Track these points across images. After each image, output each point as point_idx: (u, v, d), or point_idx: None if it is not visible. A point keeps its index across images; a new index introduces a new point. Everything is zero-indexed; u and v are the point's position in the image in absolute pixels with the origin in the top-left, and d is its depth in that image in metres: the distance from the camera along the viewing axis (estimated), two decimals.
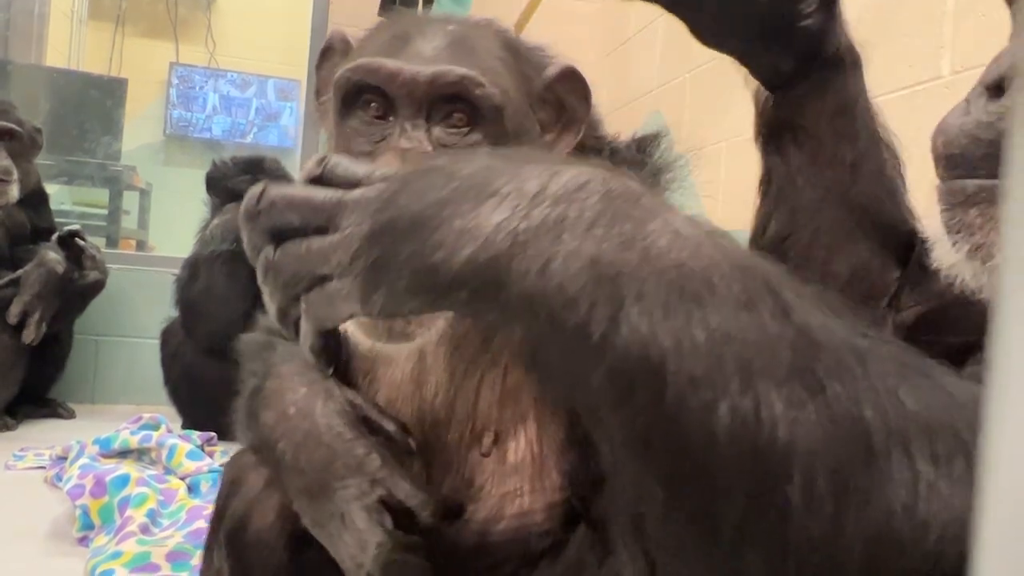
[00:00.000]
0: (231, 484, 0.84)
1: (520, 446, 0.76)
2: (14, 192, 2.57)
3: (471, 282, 0.43)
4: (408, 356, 0.77)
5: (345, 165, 0.51)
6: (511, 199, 0.43)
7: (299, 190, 0.51)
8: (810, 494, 0.36)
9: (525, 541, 0.76)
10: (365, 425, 0.73)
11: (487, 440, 0.76)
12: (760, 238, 0.81)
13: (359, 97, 0.73)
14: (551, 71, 0.79)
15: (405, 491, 0.68)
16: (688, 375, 0.37)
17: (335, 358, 0.71)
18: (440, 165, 0.47)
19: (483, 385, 0.76)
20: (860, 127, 0.77)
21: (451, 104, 0.72)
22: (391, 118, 0.73)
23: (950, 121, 0.58)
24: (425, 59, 0.73)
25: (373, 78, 0.72)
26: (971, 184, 0.56)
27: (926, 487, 0.37)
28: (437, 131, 0.72)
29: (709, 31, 0.76)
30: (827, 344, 0.39)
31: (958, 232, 0.56)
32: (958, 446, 0.38)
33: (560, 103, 0.79)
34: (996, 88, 0.56)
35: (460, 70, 0.72)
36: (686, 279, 0.39)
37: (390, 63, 0.72)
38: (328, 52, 0.81)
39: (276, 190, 0.51)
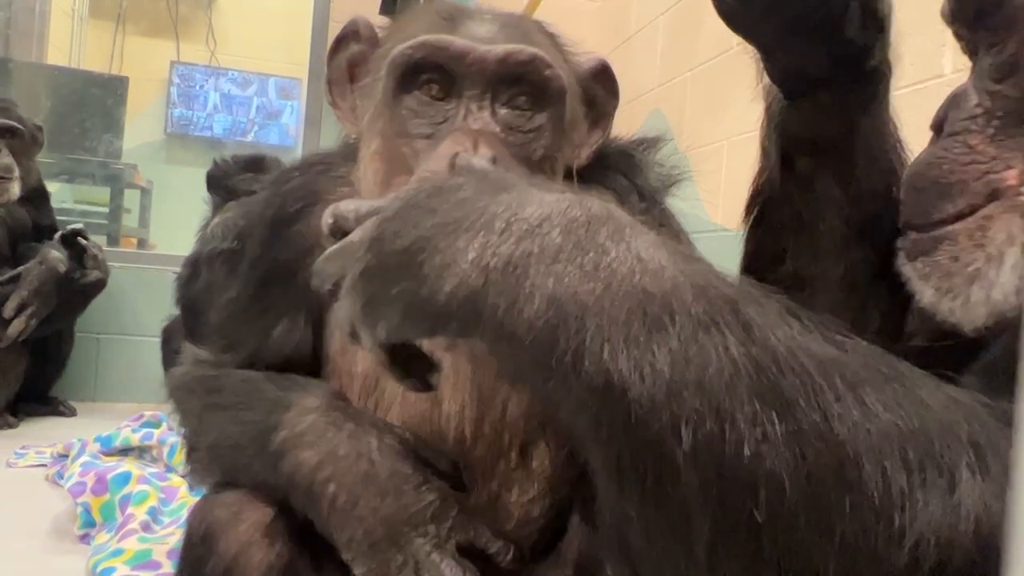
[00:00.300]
0: (205, 539, 0.73)
1: (542, 452, 0.76)
2: (15, 190, 2.57)
3: (456, 314, 0.44)
4: None
5: (342, 213, 0.54)
6: (482, 235, 0.44)
7: (328, 250, 0.55)
8: (779, 509, 0.37)
9: (543, 539, 0.76)
10: (417, 459, 0.70)
11: (514, 454, 0.74)
12: (765, 268, 0.74)
13: (417, 77, 0.70)
14: (588, 64, 0.78)
15: (486, 537, 0.66)
16: (650, 401, 0.38)
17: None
18: (421, 201, 0.49)
19: (509, 400, 0.74)
20: (889, 148, 0.72)
21: (515, 86, 0.70)
22: (453, 99, 0.70)
23: (911, 167, 0.62)
24: (485, 40, 0.70)
25: (439, 56, 0.69)
26: (914, 236, 0.60)
27: (899, 495, 0.37)
28: (503, 112, 0.70)
29: (740, 11, 0.67)
30: (791, 359, 0.39)
31: (922, 278, 0.60)
32: (931, 453, 0.38)
33: (592, 98, 0.78)
34: (938, 129, 0.60)
35: (532, 49, 0.70)
36: (647, 304, 0.40)
37: (459, 40, 0.69)
38: (344, 40, 0.78)
39: (320, 259, 0.55)
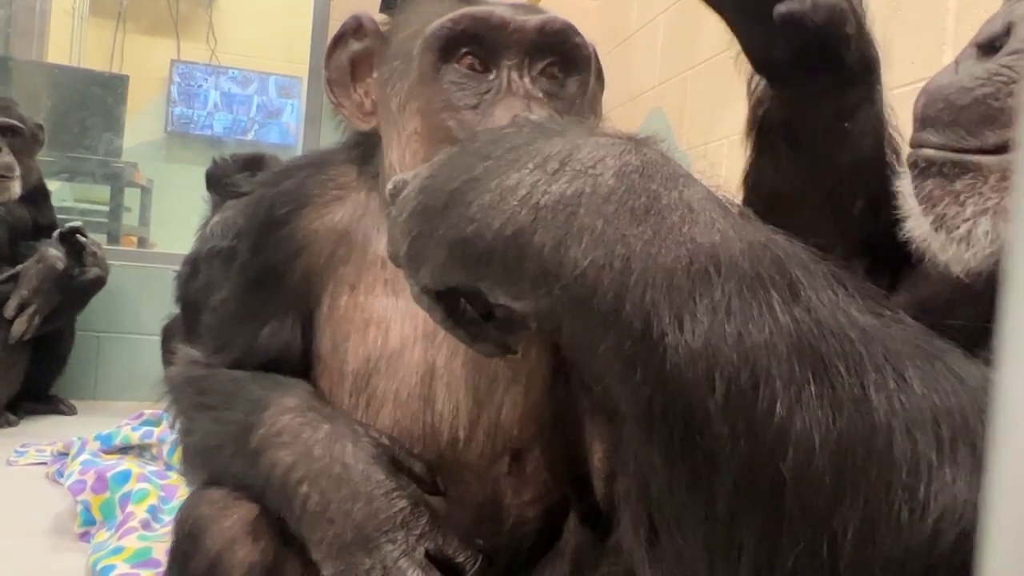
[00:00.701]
0: (191, 536, 0.74)
1: (536, 457, 0.76)
2: (16, 188, 2.57)
3: (500, 253, 0.44)
4: (414, 372, 0.75)
5: (402, 178, 0.55)
6: (534, 174, 0.44)
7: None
8: (805, 469, 0.37)
9: (540, 541, 0.77)
10: (392, 463, 0.70)
11: (507, 459, 0.75)
12: None
13: (456, 51, 0.71)
14: (590, 45, 0.79)
15: (455, 546, 0.67)
16: (687, 349, 0.38)
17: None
18: (474, 148, 0.50)
19: (505, 403, 0.74)
20: (863, 131, 0.71)
21: (547, 56, 0.72)
22: (492, 70, 0.71)
23: (934, 83, 0.56)
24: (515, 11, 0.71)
25: (481, 26, 0.70)
26: (938, 155, 0.54)
27: (927, 469, 0.37)
28: (542, 81, 0.72)
29: None
30: (834, 324, 0.39)
31: (925, 203, 0.55)
32: (964, 431, 0.38)
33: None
34: (989, 47, 0.53)
35: (563, 19, 0.72)
36: (694, 254, 0.40)
37: (498, 10, 0.70)
38: (343, 39, 0.78)
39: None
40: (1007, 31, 0.53)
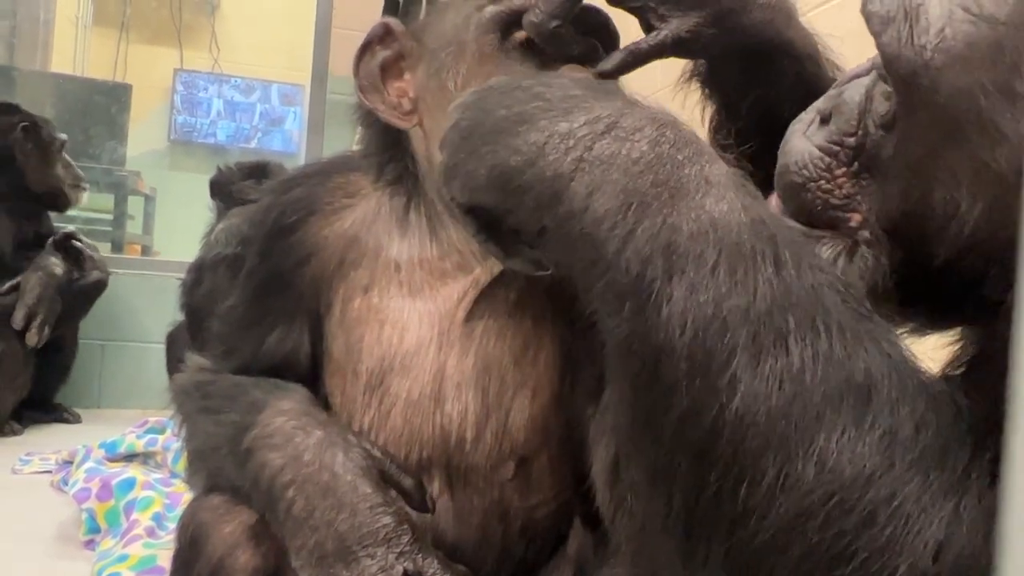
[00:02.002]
0: (192, 542, 0.74)
1: (543, 464, 0.77)
2: (85, 198, 2.80)
3: (537, 190, 0.50)
4: (427, 372, 0.75)
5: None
6: (584, 128, 0.50)
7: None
8: (745, 418, 0.42)
9: (547, 543, 0.77)
10: (381, 476, 0.71)
11: (512, 464, 0.75)
12: None
13: (511, 31, 0.71)
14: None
15: (434, 568, 0.67)
16: (671, 294, 0.44)
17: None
18: (525, 84, 0.55)
19: (514, 407, 0.75)
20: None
21: (588, 37, 0.73)
22: (540, 48, 0.71)
23: (793, 144, 0.60)
24: None
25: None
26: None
27: (840, 436, 0.42)
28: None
29: None
30: (805, 302, 0.44)
31: None
32: (881, 404, 0.42)
33: None
34: (825, 119, 0.59)
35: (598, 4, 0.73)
36: (699, 219, 0.45)
37: None
38: (369, 47, 0.78)
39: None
40: (831, 111, 0.59)
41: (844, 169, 0.57)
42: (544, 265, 0.59)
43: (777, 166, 0.61)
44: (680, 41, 0.67)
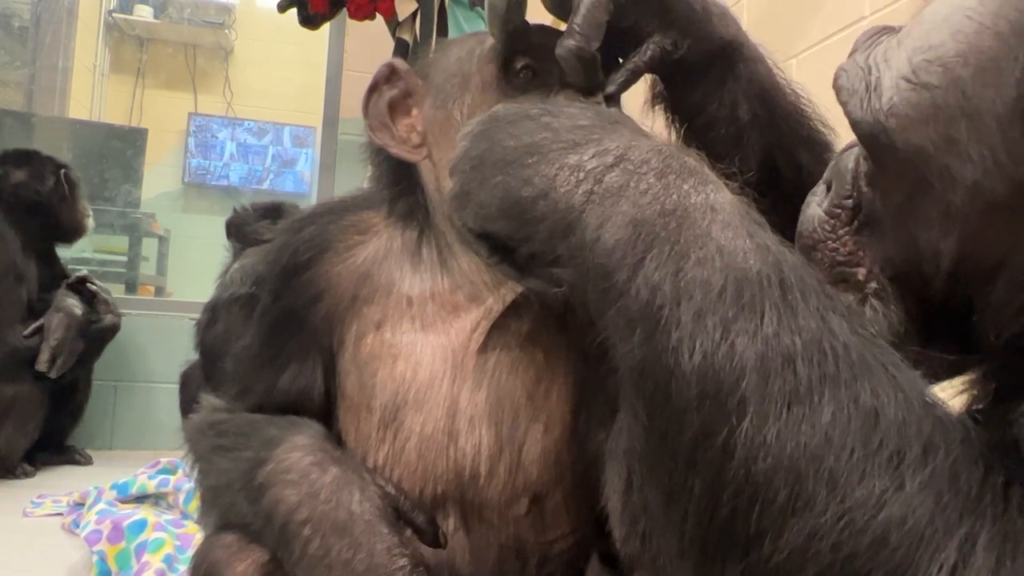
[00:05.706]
0: None
1: (557, 501, 0.76)
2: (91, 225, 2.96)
3: (551, 220, 0.52)
4: (440, 406, 0.75)
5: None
6: (592, 161, 0.52)
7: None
8: (755, 439, 0.43)
9: None
10: (396, 514, 0.71)
11: (526, 501, 0.75)
12: None
13: (513, 61, 0.73)
14: None
15: None
16: (679, 319, 0.45)
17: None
18: (532, 112, 0.57)
19: (527, 442, 0.75)
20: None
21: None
22: (541, 78, 0.73)
23: (807, 212, 0.64)
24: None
25: (535, 36, 0.73)
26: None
27: (854, 478, 0.42)
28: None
29: None
30: (811, 323, 0.45)
31: None
32: (899, 445, 0.43)
33: None
34: (829, 184, 0.63)
35: None
36: (705, 246, 0.47)
37: (546, 25, 0.73)
38: (376, 87, 0.80)
39: None
40: (831, 179, 0.63)
41: (846, 228, 0.60)
42: (559, 283, 0.59)
43: (796, 233, 0.65)
44: (666, 53, 0.71)
